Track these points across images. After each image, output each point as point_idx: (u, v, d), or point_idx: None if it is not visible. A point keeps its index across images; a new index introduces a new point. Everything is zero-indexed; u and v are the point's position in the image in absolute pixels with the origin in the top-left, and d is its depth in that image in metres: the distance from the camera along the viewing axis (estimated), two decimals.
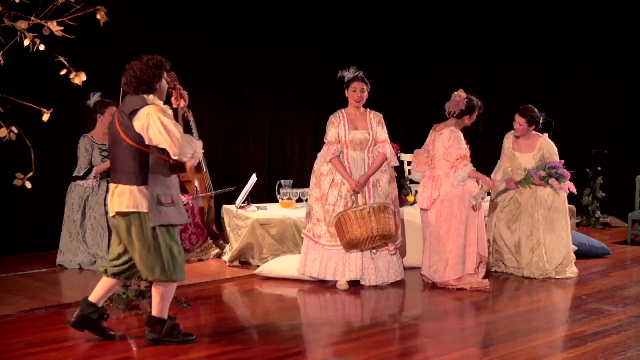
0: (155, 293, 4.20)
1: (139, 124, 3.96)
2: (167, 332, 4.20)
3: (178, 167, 4.06)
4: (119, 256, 4.22)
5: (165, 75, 4.15)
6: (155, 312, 4.22)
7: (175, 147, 3.92)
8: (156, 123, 3.92)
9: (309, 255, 5.75)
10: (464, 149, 5.61)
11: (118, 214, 4.06)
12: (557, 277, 6.02)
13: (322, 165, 5.71)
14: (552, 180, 6.08)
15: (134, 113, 3.99)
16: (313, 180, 5.81)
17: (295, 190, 7.24)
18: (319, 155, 5.80)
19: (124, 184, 4.04)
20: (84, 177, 6.45)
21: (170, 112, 4.10)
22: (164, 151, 4.01)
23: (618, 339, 4.30)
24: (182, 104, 4.32)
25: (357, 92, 5.68)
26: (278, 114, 9.39)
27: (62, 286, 5.86)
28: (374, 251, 5.68)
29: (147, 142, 3.98)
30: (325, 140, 5.74)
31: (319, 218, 5.71)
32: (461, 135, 5.68)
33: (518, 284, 5.93)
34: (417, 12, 10.41)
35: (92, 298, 4.25)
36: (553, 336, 4.43)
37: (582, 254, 6.92)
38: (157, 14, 8.03)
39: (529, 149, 6.27)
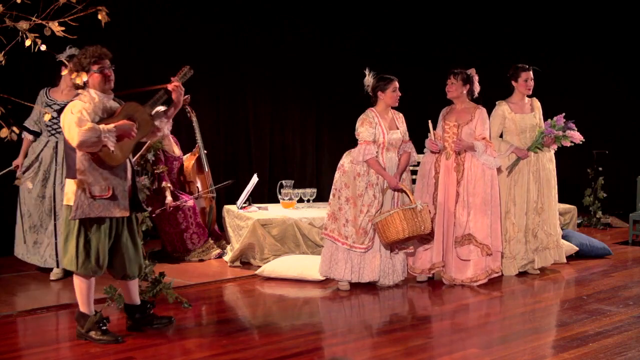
0: (74, 285, 4.27)
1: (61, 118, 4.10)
2: (88, 327, 4.20)
3: (100, 159, 4.03)
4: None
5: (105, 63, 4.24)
6: (79, 306, 4.29)
7: (75, 139, 3.93)
8: (66, 119, 4.00)
9: (333, 256, 5.65)
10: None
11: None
12: None
13: (357, 165, 5.55)
14: (572, 133, 6.04)
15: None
16: (342, 179, 5.60)
17: (296, 191, 7.24)
18: (351, 154, 5.60)
19: (67, 177, 4.16)
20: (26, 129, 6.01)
21: (97, 99, 4.10)
22: None
23: (619, 339, 4.30)
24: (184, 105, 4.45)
25: (397, 91, 5.64)
26: (279, 114, 9.40)
27: (62, 286, 5.85)
28: (396, 250, 5.70)
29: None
30: (359, 139, 5.56)
31: (348, 219, 5.56)
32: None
33: (519, 284, 5.93)
34: (417, 14, 10.43)
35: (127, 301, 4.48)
36: (554, 336, 4.43)
37: (583, 254, 6.94)
38: (158, 14, 8.04)
39: (529, 109, 6.22)
